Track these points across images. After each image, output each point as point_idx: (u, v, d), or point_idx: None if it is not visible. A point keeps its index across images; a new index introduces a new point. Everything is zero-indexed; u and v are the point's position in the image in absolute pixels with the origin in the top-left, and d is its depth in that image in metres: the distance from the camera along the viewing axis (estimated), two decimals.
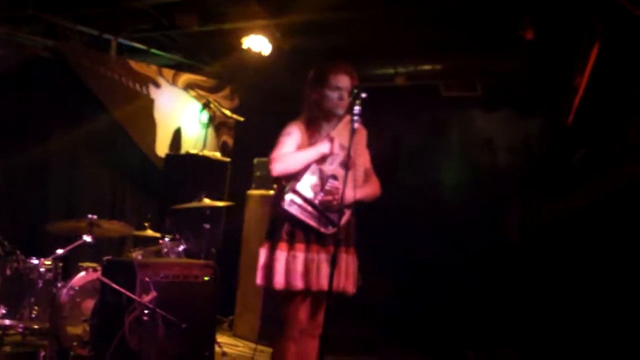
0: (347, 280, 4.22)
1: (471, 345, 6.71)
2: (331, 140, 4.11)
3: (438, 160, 8.09)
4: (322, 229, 4.09)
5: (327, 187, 4.09)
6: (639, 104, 5.58)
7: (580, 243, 6.11)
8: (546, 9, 6.12)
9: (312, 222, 4.07)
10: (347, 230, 4.22)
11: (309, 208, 4.06)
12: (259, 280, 4.18)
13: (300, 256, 4.06)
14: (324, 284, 4.03)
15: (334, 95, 4.16)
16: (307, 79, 4.32)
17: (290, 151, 4.11)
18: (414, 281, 7.74)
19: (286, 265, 4.06)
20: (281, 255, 4.06)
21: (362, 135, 4.33)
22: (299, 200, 4.04)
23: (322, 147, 4.10)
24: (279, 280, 4.05)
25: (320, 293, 4.10)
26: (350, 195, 4.06)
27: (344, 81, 4.18)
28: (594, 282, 5.88)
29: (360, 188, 4.19)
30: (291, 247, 4.07)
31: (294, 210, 4.04)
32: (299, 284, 4.04)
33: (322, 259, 4.10)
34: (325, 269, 4.06)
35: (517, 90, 7.07)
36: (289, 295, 4.12)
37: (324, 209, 4.08)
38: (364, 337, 7.26)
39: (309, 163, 4.07)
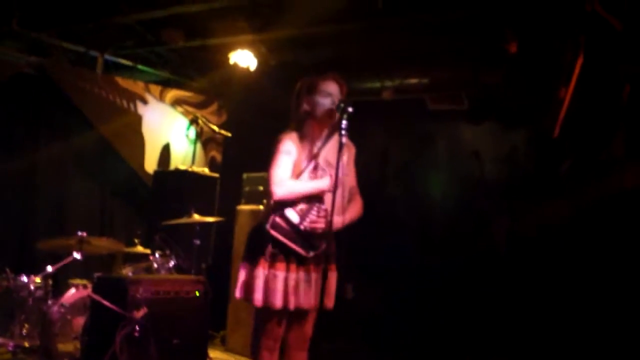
0: (327, 296, 4.18)
1: (464, 355, 6.74)
2: (330, 177, 4.09)
3: (425, 173, 8.15)
4: (304, 253, 4.09)
5: (314, 213, 4.08)
6: (623, 116, 5.64)
7: (567, 253, 6.16)
8: (529, 22, 6.18)
9: (294, 246, 4.08)
10: (329, 247, 4.18)
11: (293, 233, 4.07)
12: (238, 294, 4.20)
13: (280, 275, 4.06)
14: (303, 302, 4.08)
15: (326, 101, 4.11)
16: (293, 92, 4.29)
17: (289, 175, 4.09)
18: (404, 292, 7.78)
19: (265, 284, 4.06)
20: (261, 274, 4.07)
21: (350, 153, 4.32)
22: (283, 224, 4.07)
23: (323, 183, 4.09)
24: (258, 298, 4.06)
25: (300, 311, 4.12)
26: (338, 221, 4.04)
27: (333, 87, 4.16)
28: (580, 290, 5.93)
29: (347, 212, 4.19)
30: (272, 265, 4.08)
31: (277, 233, 4.07)
32: (278, 302, 4.04)
33: (300, 278, 4.11)
34: (303, 288, 4.10)
35: (502, 103, 7.13)
36: (268, 312, 4.13)
37: (309, 234, 4.09)
38: (355, 350, 7.28)
39: (308, 195, 4.09)
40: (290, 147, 4.14)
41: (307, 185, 4.10)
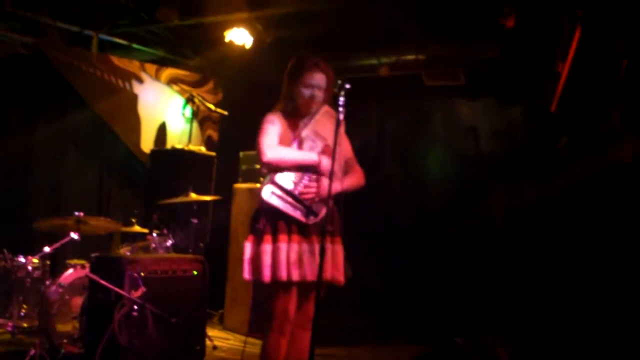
0: (335, 269, 4.19)
1: (460, 332, 6.75)
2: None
3: (422, 149, 8.15)
4: (303, 219, 4.08)
5: (306, 180, 4.10)
6: (621, 89, 5.61)
7: (565, 228, 6.15)
8: None
9: (292, 213, 4.07)
10: (332, 220, 4.16)
11: (289, 199, 4.06)
12: (246, 274, 4.15)
13: (283, 247, 4.04)
14: (307, 275, 4.05)
15: (306, 92, 4.15)
16: (287, 68, 4.29)
17: (276, 142, 4.11)
18: (401, 269, 7.79)
19: (272, 258, 4.04)
20: (267, 249, 4.05)
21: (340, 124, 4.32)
22: (278, 192, 4.05)
23: (313, 157, 4.12)
24: (267, 274, 4.03)
25: (305, 284, 4.10)
26: (336, 187, 4.00)
27: (318, 78, 4.17)
28: (578, 266, 5.92)
29: (340, 180, 4.15)
30: (275, 239, 4.06)
31: (274, 201, 4.05)
32: (283, 274, 4.02)
33: (304, 250, 4.08)
34: (307, 260, 4.07)
35: (499, 78, 7.10)
36: (276, 287, 4.10)
37: (306, 200, 4.08)
38: (352, 327, 7.28)
39: (298, 165, 4.10)
40: (275, 119, 4.19)
41: (296, 154, 4.14)
